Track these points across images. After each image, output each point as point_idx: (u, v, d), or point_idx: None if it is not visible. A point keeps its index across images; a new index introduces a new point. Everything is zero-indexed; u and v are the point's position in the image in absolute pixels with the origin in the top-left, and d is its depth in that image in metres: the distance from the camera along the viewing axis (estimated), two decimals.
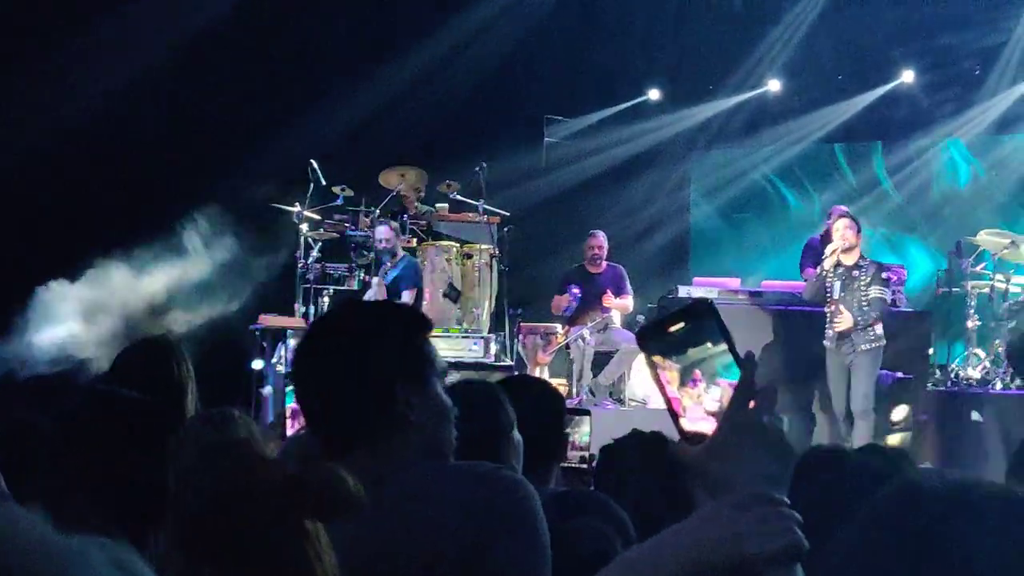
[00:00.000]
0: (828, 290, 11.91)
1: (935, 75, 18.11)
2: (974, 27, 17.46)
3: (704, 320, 1.79)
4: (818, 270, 12.19)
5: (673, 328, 1.79)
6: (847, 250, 11.85)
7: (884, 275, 11.84)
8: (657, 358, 1.80)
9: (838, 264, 11.87)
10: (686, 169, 20.09)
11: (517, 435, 3.76)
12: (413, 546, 2.46)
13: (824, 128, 19.00)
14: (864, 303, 11.67)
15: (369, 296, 13.17)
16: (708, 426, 1.76)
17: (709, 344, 1.79)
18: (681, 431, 1.78)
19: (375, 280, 13.30)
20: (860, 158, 19.37)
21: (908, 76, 18.22)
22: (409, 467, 2.65)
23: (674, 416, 1.79)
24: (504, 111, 17.36)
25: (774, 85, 18.92)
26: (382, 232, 13.60)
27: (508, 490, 2.52)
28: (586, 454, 6.53)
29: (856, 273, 11.78)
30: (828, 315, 11.97)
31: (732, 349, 1.77)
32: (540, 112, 18.76)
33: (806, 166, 19.66)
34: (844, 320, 11.66)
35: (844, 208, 14.43)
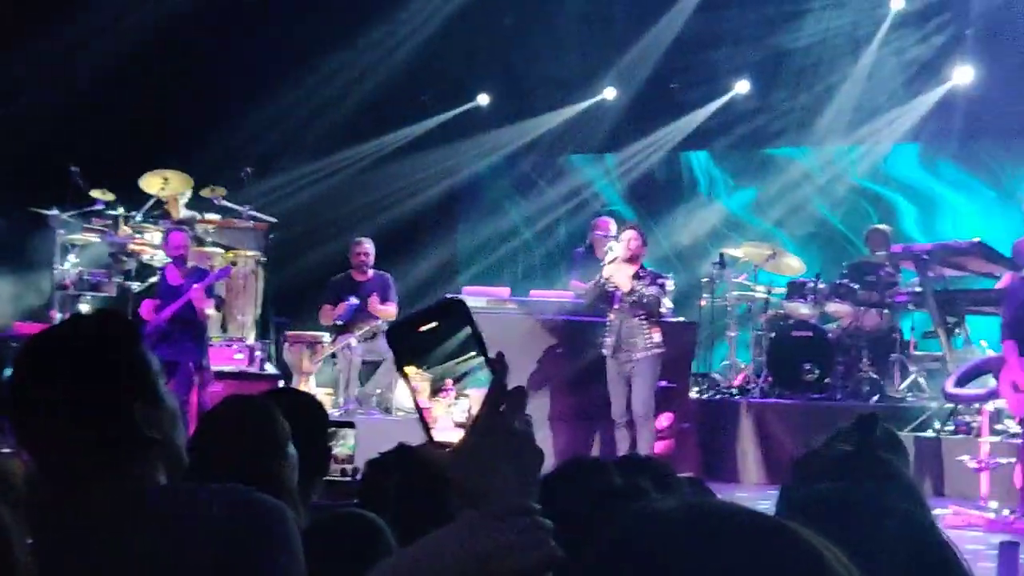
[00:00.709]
0: (608, 298, 11.97)
1: (694, 88, 18.46)
2: (738, 43, 17.83)
3: (455, 319, 1.73)
4: (597, 277, 12.25)
5: (424, 327, 1.74)
6: (630, 260, 11.90)
7: (660, 281, 11.93)
8: (410, 369, 1.74)
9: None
10: (457, 177, 20.10)
11: (292, 450, 3.66)
12: None
13: (592, 138, 19.22)
14: (641, 315, 11.76)
15: (177, 304, 12.72)
16: (457, 437, 1.72)
17: (462, 354, 1.73)
18: (432, 442, 1.74)
19: (195, 286, 12.73)
20: (600, 167, 19.72)
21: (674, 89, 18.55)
22: (157, 492, 2.46)
23: (425, 426, 1.74)
24: (269, 115, 17.06)
25: (543, 94, 19.08)
26: (177, 239, 13.07)
27: (266, 517, 2.38)
28: (349, 467, 6.43)
29: (636, 284, 11.86)
30: (608, 324, 12.02)
31: (483, 351, 1.72)
32: (304, 115, 18.54)
33: (544, 174, 19.91)
34: (621, 280, 11.75)
35: (606, 219, 14.59)
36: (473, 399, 1.71)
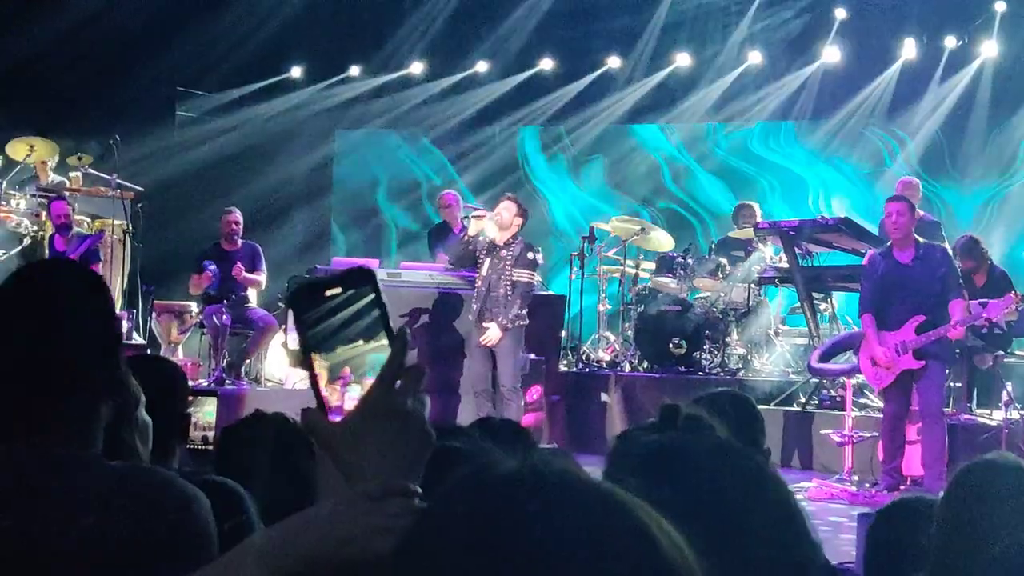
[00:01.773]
0: (479, 264, 11.89)
1: (571, 64, 18.47)
2: (608, 18, 17.88)
3: (362, 288, 1.68)
4: (462, 235, 12.17)
5: (330, 292, 1.68)
6: (500, 227, 11.80)
7: (531, 256, 11.82)
8: (314, 355, 1.68)
9: (492, 242, 11.85)
10: (329, 149, 20.02)
11: (144, 416, 3.59)
12: (73, 558, 2.19)
13: (465, 112, 19.18)
14: (508, 286, 11.68)
15: None
16: None
17: (361, 341, 1.68)
18: (322, 413, 1.67)
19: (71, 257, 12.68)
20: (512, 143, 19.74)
21: (547, 64, 18.55)
22: (74, 464, 2.29)
23: (320, 402, 1.68)
24: (137, 82, 16.79)
25: (416, 67, 19.02)
26: (60, 208, 13.25)
27: (185, 505, 2.28)
28: (209, 434, 6.39)
29: (504, 253, 11.73)
30: (476, 290, 11.95)
31: (386, 321, 1.68)
32: (174, 84, 18.30)
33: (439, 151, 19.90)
34: (491, 335, 11.66)
35: (450, 193, 14.72)
36: (367, 387, 1.67)
